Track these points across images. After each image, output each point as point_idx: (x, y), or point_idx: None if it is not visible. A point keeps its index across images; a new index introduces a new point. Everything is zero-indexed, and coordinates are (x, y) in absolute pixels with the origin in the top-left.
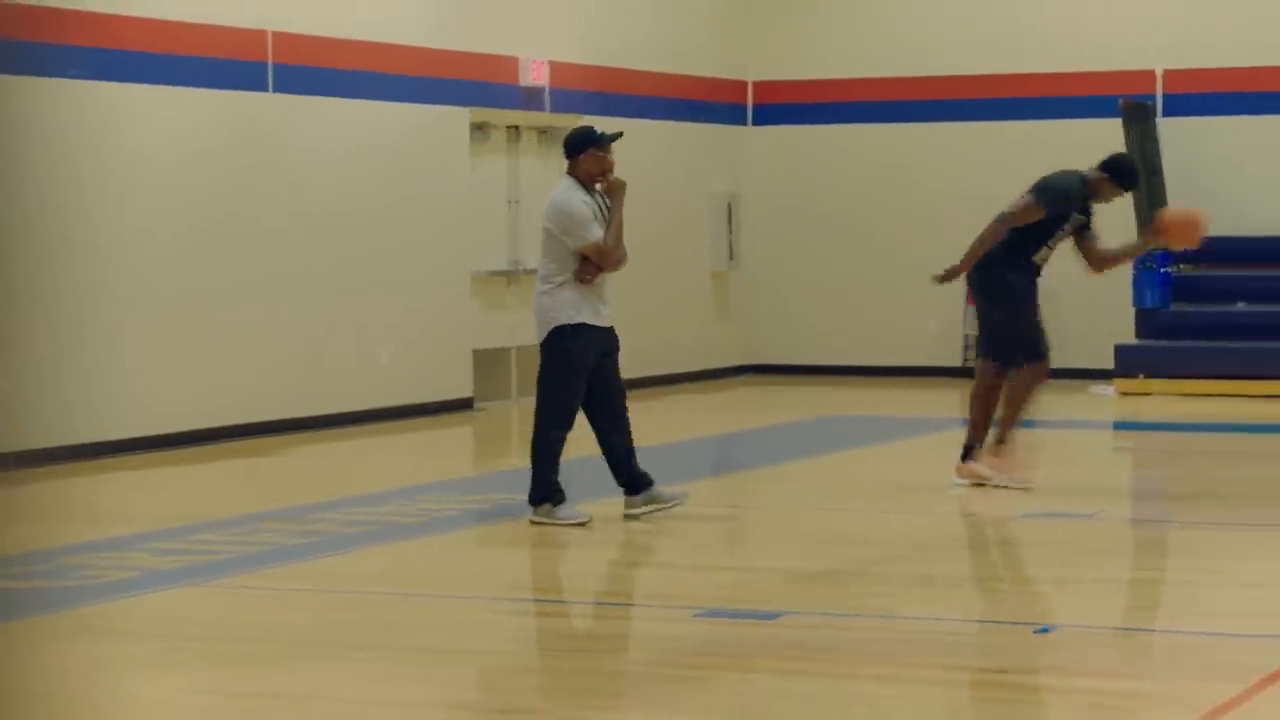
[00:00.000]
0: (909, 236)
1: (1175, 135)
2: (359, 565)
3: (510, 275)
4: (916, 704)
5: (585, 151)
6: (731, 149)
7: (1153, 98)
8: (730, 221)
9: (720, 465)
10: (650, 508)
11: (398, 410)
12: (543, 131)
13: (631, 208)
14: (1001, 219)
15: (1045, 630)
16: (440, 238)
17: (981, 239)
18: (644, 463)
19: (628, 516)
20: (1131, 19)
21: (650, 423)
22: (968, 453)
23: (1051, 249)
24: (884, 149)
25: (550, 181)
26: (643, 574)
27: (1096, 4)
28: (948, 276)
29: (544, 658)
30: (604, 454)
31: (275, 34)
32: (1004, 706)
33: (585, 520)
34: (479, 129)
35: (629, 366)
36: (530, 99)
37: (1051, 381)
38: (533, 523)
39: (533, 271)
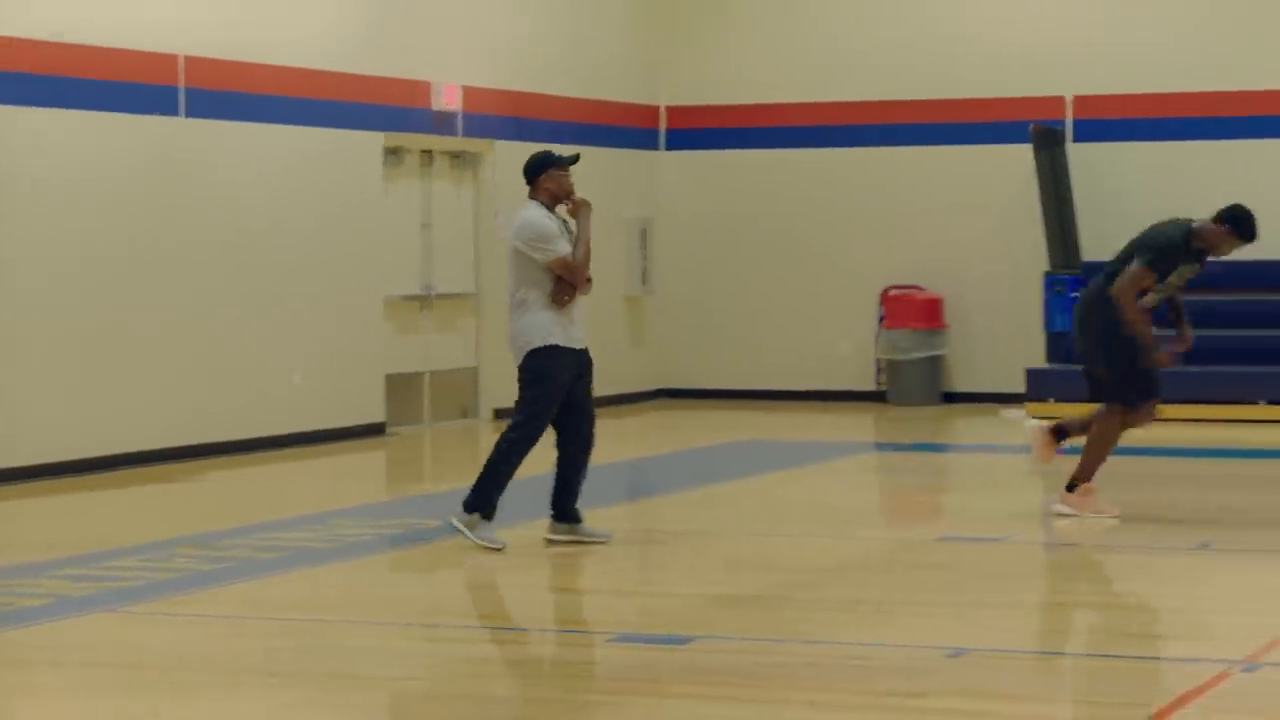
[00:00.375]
0: (822, 261)
1: (1085, 161)
2: (272, 591)
3: (423, 299)
4: None
5: (545, 173)
6: (645, 174)
7: (1063, 123)
8: (644, 246)
9: (635, 490)
10: (572, 537)
11: (310, 435)
12: (456, 156)
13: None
14: (1121, 291)
15: (959, 653)
16: (353, 262)
17: (1132, 323)
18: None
19: (549, 541)
20: (1042, 45)
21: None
22: (1076, 484)
23: (1160, 294)
24: (797, 174)
25: (462, 206)
26: (558, 599)
27: (1008, 31)
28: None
29: (458, 683)
30: (557, 474)
31: (187, 58)
32: None
33: (500, 547)
34: (392, 153)
35: None
36: (443, 123)
37: (962, 405)
38: (452, 525)
39: (446, 296)
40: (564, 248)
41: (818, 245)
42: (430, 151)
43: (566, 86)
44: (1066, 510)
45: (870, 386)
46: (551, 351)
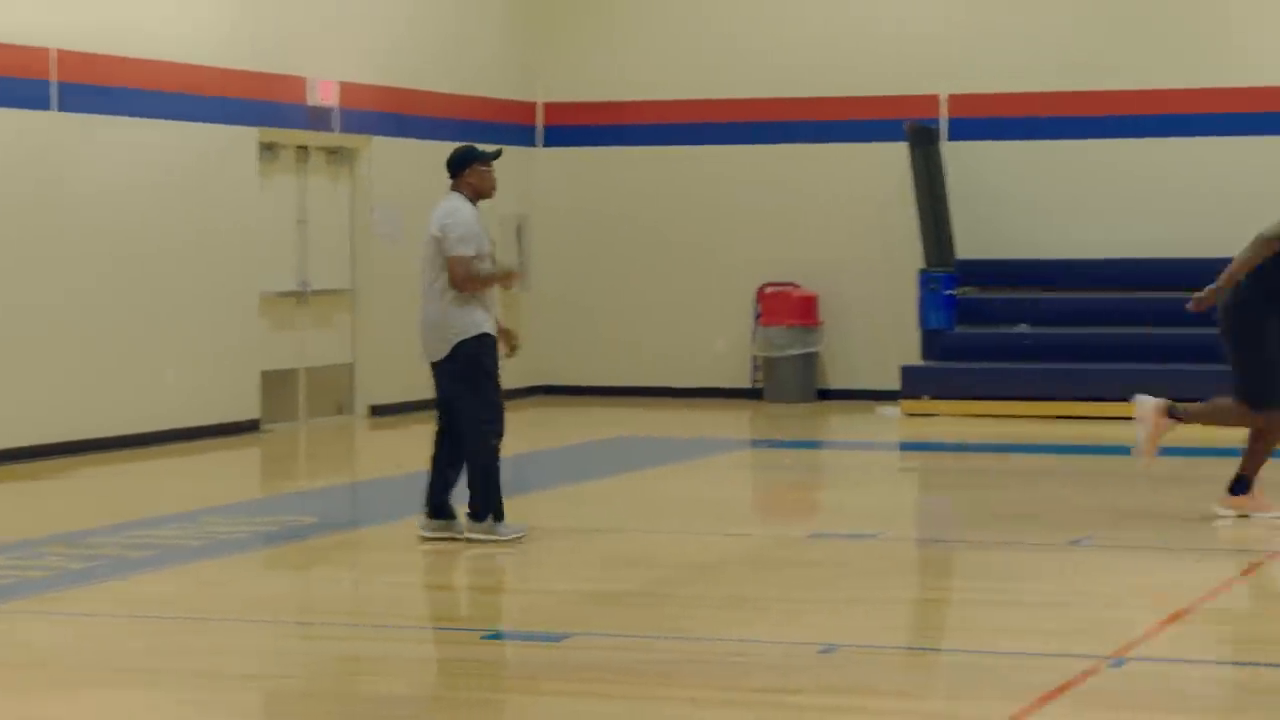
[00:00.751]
0: (699, 258)
1: (959, 159)
2: (144, 589)
3: (299, 296)
4: None
5: (469, 168)
6: (522, 170)
7: (937, 122)
8: (520, 243)
9: (512, 486)
10: (446, 534)
11: (184, 432)
12: (332, 152)
13: (419, 230)
14: (1260, 241)
15: (830, 650)
16: (228, 258)
17: (1241, 261)
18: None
19: (423, 538)
20: (917, 44)
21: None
22: (1238, 485)
23: None
24: (674, 171)
25: (338, 202)
26: (434, 596)
27: (883, 29)
28: (1202, 303)
29: (330, 682)
30: (434, 470)
31: (60, 52)
32: None
33: (523, 532)
34: (267, 149)
35: (415, 389)
36: (319, 119)
37: (838, 403)
38: (469, 540)
39: (321, 292)
40: (472, 250)
41: (694, 242)
42: (306, 147)
43: (444, 83)
44: (1237, 511)
45: (746, 384)
46: (483, 340)
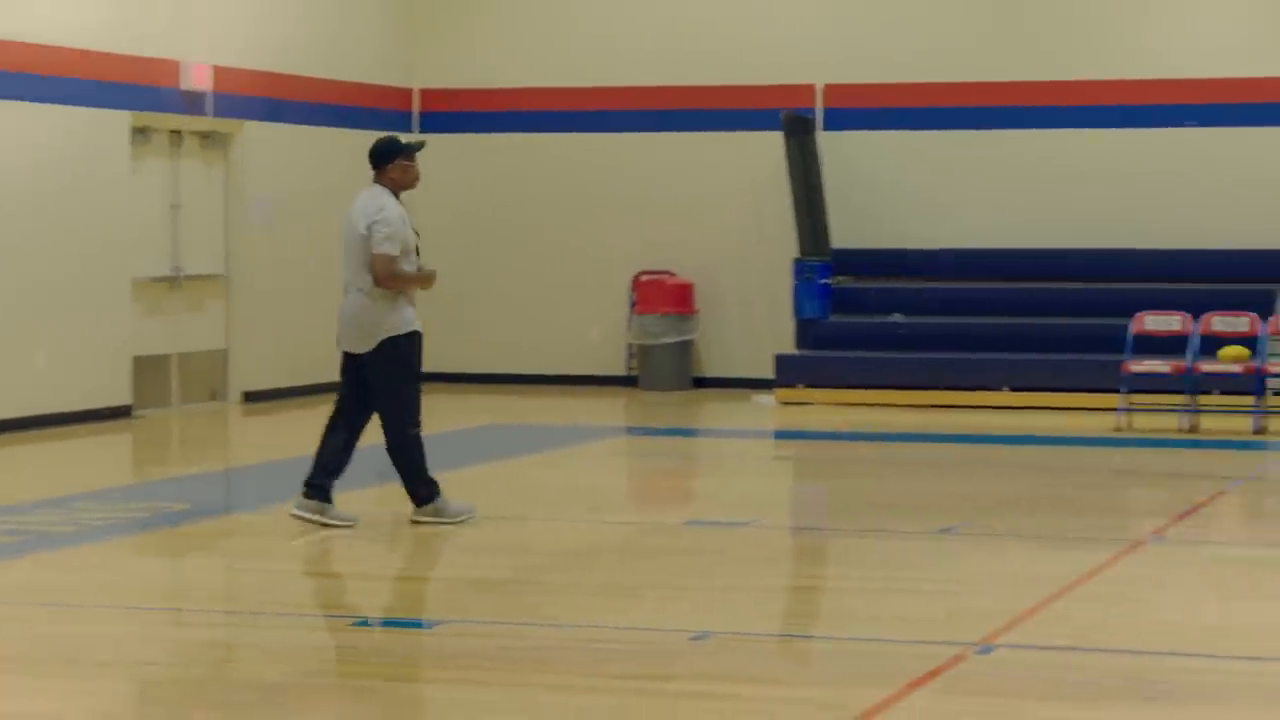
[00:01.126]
0: (575, 246)
1: (835, 149)
2: (12, 575)
3: (172, 281)
4: (581, 712)
5: (393, 161)
6: None
7: (813, 112)
8: None
9: (388, 473)
10: (320, 518)
11: (55, 418)
12: (205, 136)
13: (294, 216)
14: None
15: (703, 637)
16: (100, 242)
17: None
18: (306, 472)
19: (293, 514)
20: (793, 34)
21: (313, 430)
22: None
23: None
24: (550, 159)
25: (212, 186)
26: (305, 583)
27: (759, 19)
28: None
29: (201, 669)
30: (323, 450)
31: None
32: (667, 714)
33: (470, 513)
34: (140, 133)
35: (288, 375)
36: (192, 103)
37: (713, 391)
38: (416, 522)
39: (195, 277)
40: (396, 249)
41: (570, 230)
42: (179, 131)
43: (319, 68)
44: None
45: (622, 371)
46: (413, 337)
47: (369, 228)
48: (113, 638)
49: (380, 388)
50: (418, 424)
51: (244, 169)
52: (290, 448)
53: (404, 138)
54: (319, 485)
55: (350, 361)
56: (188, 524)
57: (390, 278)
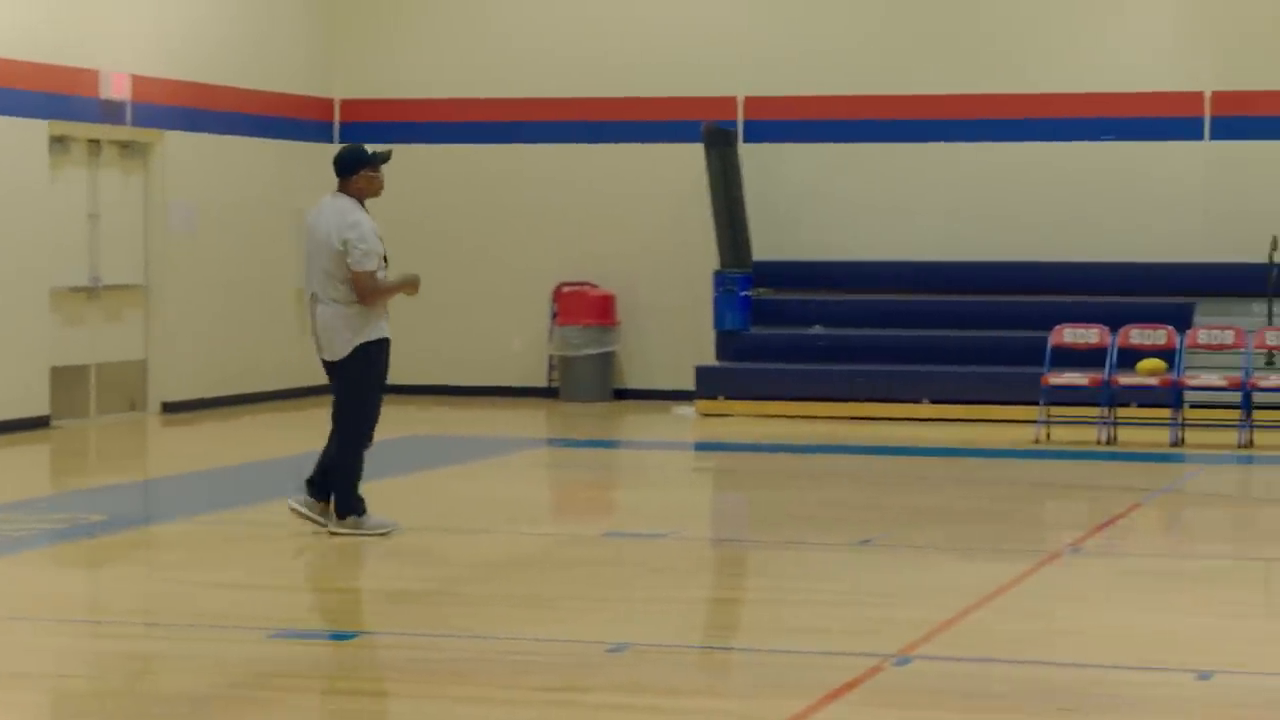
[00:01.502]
0: (496, 257)
1: (756, 161)
2: None
3: (90, 291)
4: None
5: (358, 172)
6: (317, 167)
7: (734, 124)
8: None
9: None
10: (316, 519)
11: None
12: (125, 146)
13: (214, 225)
14: None
15: (621, 649)
16: (17, 252)
17: None
18: (225, 482)
19: (292, 508)
20: (714, 46)
21: (233, 441)
22: None
23: None
24: (471, 170)
25: (131, 196)
26: (223, 594)
27: (680, 31)
28: None
29: (118, 680)
30: (325, 450)
31: None
32: None
33: (392, 528)
34: (58, 142)
35: (208, 386)
36: (111, 112)
37: (634, 402)
38: (333, 534)
39: (114, 287)
40: (375, 264)
41: (492, 241)
42: (98, 141)
43: (240, 77)
44: None
45: (543, 383)
46: (382, 345)
47: (344, 243)
48: (29, 649)
49: (345, 394)
50: (370, 439)
51: (164, 179)
52: (210, 458)
53: (370, 148)
54: (321, 485)
55: (329, 368)
56: (106, 535)
57: (373, 293)
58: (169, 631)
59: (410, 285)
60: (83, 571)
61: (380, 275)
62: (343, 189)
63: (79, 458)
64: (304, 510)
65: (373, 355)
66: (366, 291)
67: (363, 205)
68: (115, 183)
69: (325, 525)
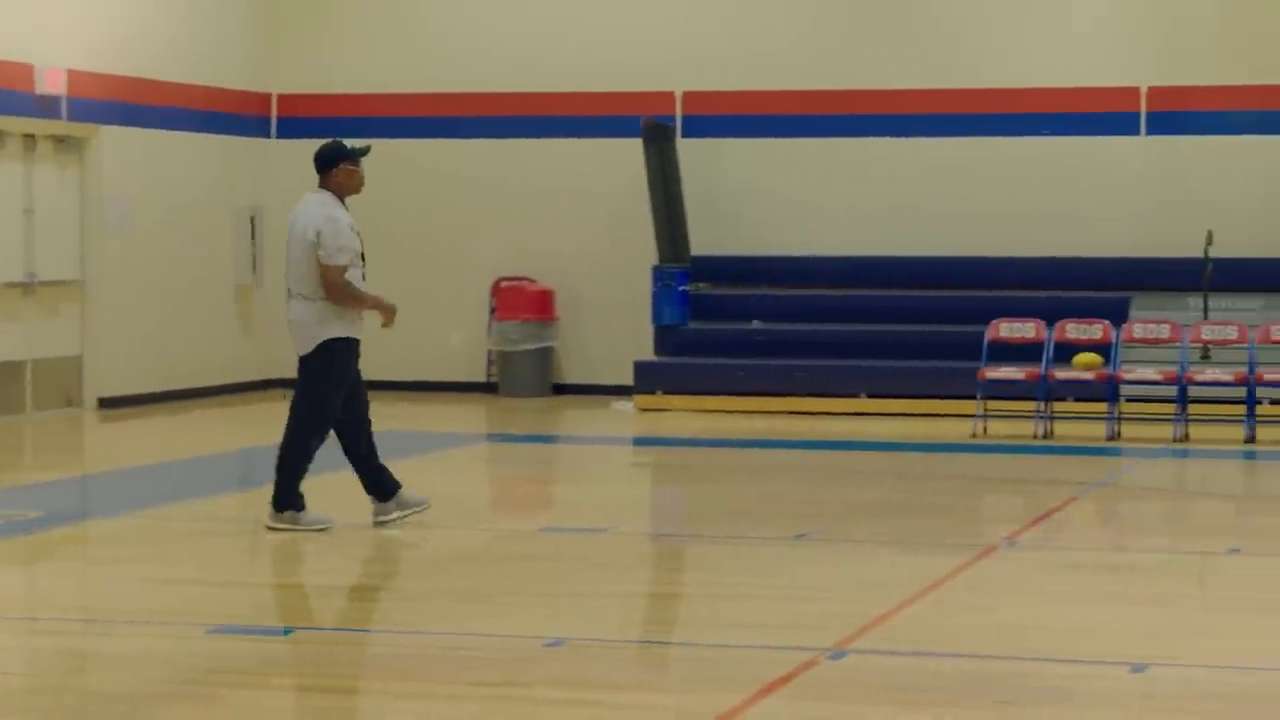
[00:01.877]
0: (434, 252)
1: (694, 156)
2: None
3: (25, 286)
4: (433, 719)
5: (338, 167)
6: (255, 162)
7: (673, 119)
8: (254, 235)
9: (244, 480)
10: (403, 513)
11: None
12: (60, 140)
13: (151, 221)
14: None
15: (557, 643)
16: None
17: None
18: (163, 478)
19: (379, 523)
20: (653, 41)
21: (174, 436)
22: None
23: None
24: (409, 165)
25: (67, 191)
26: (161, 590)
27: (618, 25)
28: None
29: (55, 677)
30: (354, 464)
31: None
32: None
33: (329, 525)
34: None
35: (146, 382)
36: (46, 107)
37: (572, 397)
38: (271, 529)
39: (49, 283)
40: (346, 259)
41: (429, 236)
42: (33, 135)
43: (176, 72)
44: None
45: (482, 378)
46: (348, 343)
47: (317, 235)
48: None
49: (306, 389)
50: (323, 437)
51: (100, 174)
52: (147, 454)
53: (349, 143)
54: (374, 483)
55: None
56: (42, 531)
57: (340, 291)
58: (106, 628)
59: (385, 310)
60: (19, 568)
61: (355, 273)
62: (323, 184)
63: (14, 454)
64: (393, 516)
65: (336, 352)
66: (332, 286)
67: (342, 201)
68: (51, 178)
69: (424, 504)
